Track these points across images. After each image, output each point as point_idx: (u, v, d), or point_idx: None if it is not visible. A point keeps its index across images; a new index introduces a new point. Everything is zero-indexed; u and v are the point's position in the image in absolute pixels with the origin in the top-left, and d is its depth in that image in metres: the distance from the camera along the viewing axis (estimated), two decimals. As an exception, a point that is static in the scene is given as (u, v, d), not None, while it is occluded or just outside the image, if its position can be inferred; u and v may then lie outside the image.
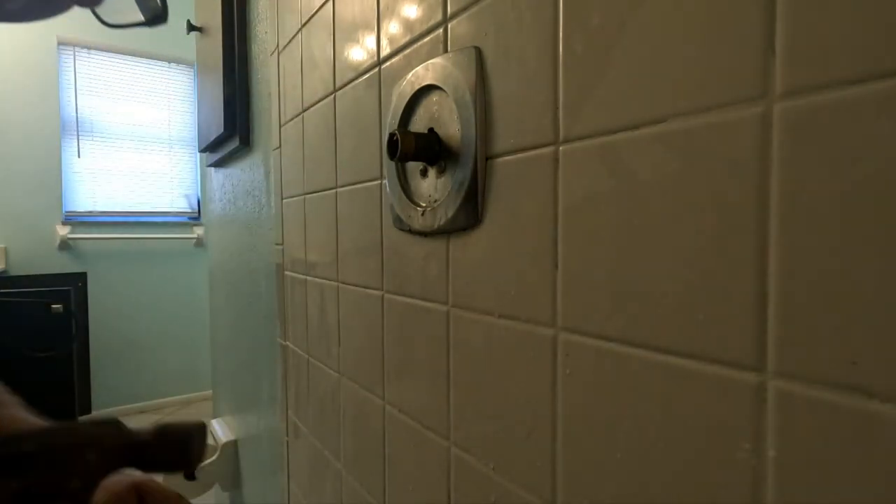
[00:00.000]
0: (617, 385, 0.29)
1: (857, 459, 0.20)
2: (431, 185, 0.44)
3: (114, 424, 0.32)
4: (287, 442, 0.87)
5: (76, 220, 3.02)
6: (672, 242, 0.26)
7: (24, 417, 0.40)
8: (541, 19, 0.33)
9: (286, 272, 0.83)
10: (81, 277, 2.93)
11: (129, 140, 3.18)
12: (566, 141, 0.32)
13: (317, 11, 0.66)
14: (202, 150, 1.37)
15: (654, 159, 0.27)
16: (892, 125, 0.19)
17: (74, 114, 3.01)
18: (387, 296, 0.53)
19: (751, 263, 0.23)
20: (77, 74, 3.01)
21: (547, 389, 0.34)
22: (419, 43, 0.46)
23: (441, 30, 0.43)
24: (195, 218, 3.40)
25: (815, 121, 0.21)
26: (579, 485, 0.32)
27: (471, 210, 0.39)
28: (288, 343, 0.84)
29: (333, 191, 0.64)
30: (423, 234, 0.45)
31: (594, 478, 0.31)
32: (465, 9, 0.40)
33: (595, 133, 0.30)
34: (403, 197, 0.47)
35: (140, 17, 0.38)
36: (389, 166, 0.49)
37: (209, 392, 2.33)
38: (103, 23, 0.38)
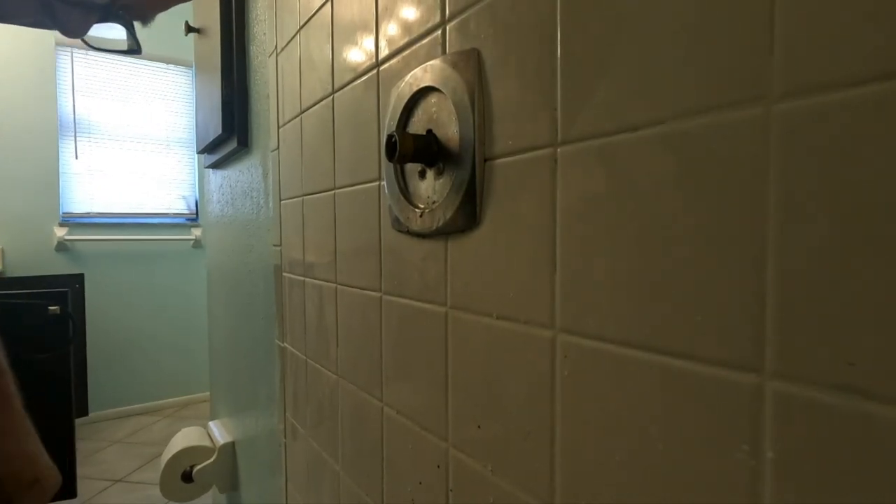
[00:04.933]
0: (615, 386, 0.29)
1: (855, 461, 0.20)
2: (430, 187, 0.44)
3: None
4: (285, 443, 0.86)
5: (73, 222, 3.01)
6: (670, 244, 0.26)
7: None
8: (539, 21, 0.33)
9: (284, 273, 0.83)
10: (79, 279, 2.92)
11: (127, 141, 3.17)
12: (564, 142, 0.32)
13: (315, 13, 0.66)
14: (200, 152, 1.36)
15: (652, 161, 0.27)
16: (891, 127, 0.19)
17: (72, 115, 3.01)
18: (385, 297, 0.53)
19: (749, 265, 0.23)
20: (75, 75, 3.00)
21: (545, 390, 0.34)
22: (418, 45, 0.46)
23: (439, 31, 0.43)
24: (193, 219, 3.39)
25: (813, 123, 0.21)
26: (578, 486, 0.32)
27: (469, 211, 0.39)
28: (286, 344, 0.84)
29: (332, 192, 0.64)
30: (422, 235, 0.45)
31: (592, 479, 0.31)
32: (463, 10, 0.40)
33: (593, 135, 0.30)
34: (402, 198, 0.47)
35: (123, 47, 0.47)
36: (388, 168, 0.49)
37: (207, 394, 2.33)
38: (90, 46, 0.45)
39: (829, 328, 0.20)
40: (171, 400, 3.29)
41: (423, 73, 0.44)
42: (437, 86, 0.42)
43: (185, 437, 1.34)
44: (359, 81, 0.56)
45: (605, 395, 0.30)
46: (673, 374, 0.26)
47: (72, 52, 2.98)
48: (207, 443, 1.33)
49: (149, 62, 3.19)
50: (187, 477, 1.26)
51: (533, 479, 0.35)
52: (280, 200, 0.83)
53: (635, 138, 0.28)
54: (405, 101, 0.46)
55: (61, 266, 2.94)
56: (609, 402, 0.29)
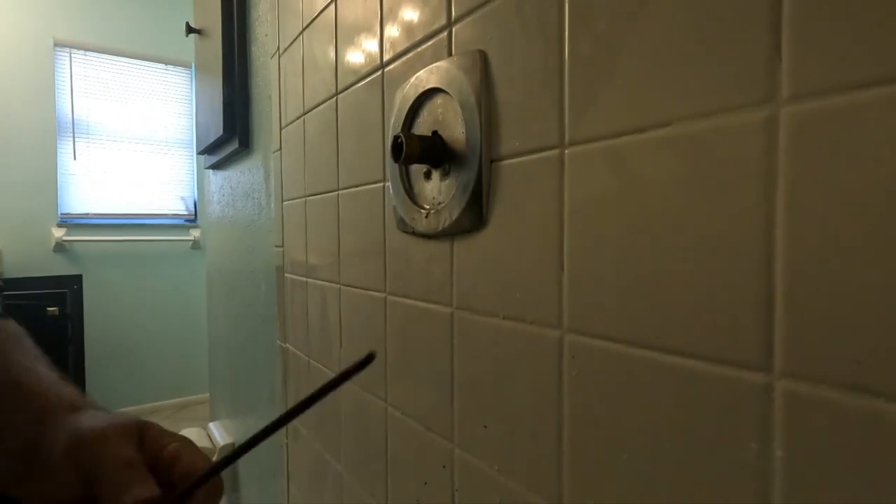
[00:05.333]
0: (623, 386, 0.29)
1: (863, 458, 0.20)
2: (435, 188, 0.44)
3: None
4: (286, 444, 0.86)
5: (72, 223, 3.00)
6: (678, 244, 0.26)
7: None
8: (546, 23, 0.33)
9: (286, 274, 0.83)
10: (77, 280, 2.91)
11: (125, 142, 3.17)
12: (572, 144, 0.32)
13: (319, 14, 0.66)
14: (201, 153, 1.36)
15: (659, 162, 0.27)
16: (898, 129, 0.19)
17: (70, 115, 3.00)
18: (390, 298, 0.53)
19: (757, 265, 0.23)
20: (73, 76, 3.00)
21: (553, 390, 0.34)
22: (423, 46, 0.46)
23: (445, 33, 0.43)
24: (192, 220, 3.38)
25: (821, 125, 0.21)
26: (585, 485, 0.32)
27: (476, 212, 0.39)
28: (288, 345, 0.84)
29: (335, 193, 0.64)
30: (427, 236, 0.46)
31: (600, 478, 0.31)
32: (469, 13, 0.40)
33: (601, 136, 0.30)
34: (407, 199, 0.47)
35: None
36: (392, 169, 0.49)
37: (205, 395, 2.32)
38: None
39: (837, 327, 0.21)
40: (169, 401, 3.28)
41: (429, 75, 0.44)
42: (442, 87, 0.42)
43: (185, 439, 1.34)
44: (363, 83, 0.57)
45: (614, 394, 0.30)
46: (681, 373, 0.26)
47: (70, 53, 2.97)
48: (207, 444, 1.32)
49: (147, 63, 3.19)
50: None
51: (540, 478, 0.35)
52: (282, 201, 0.83)
53: (643, 140, 0.28)
54: (410, 102, 0.46)
55: (59, 267, 2.93)
56: (617, 401, 0.30)
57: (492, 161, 0.38)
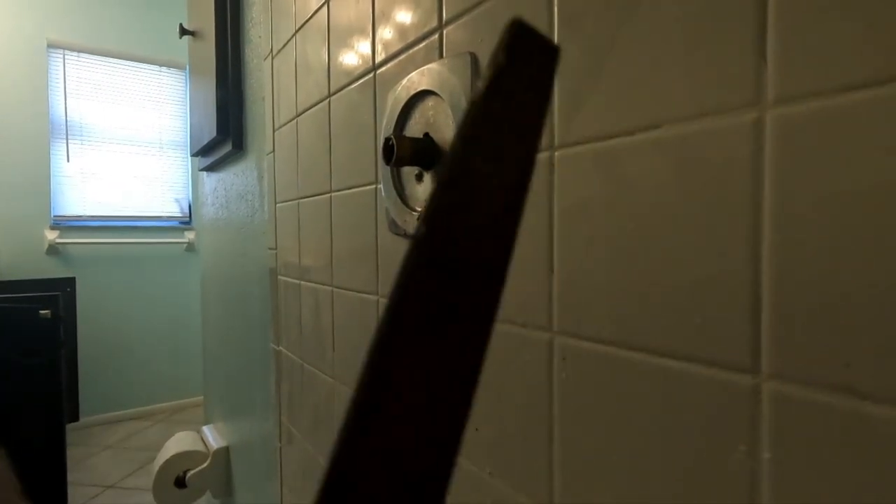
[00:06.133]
0: (613, 388, 0.29)
1: (851, 460, 0.20)
2: (427, 190, 0.44)
3: None
4: (280, 448, 0.86)
5: (65, 225, 2.98)
6: (667, 247, 0.26)
7: None
8: (536, 25, 0.33)
9: (280, 276, 0.83)
10: (70, 282, 2.89)
11: (119, 144, 3.15)
12: (561, 146, 0.32)
13: (311, 16, 0.66)
14: (194, 154, 1.36)
15: (648, 164, 0.27)
16: (882, 131, 0.19)
17: (64, 117, 2.98)
18: (382, 300, 0.52)
19: (745, 267, 0.23)
20: (67, 77, 2.98)
21: (544, 393, 0.34)
22: (414, 49, 0.46)
23: (436, 36, 0.43)
24: (186, 222, 3.37)
25: (807, 127, 0.21)
26: (577, 488, 0.32)
27: (467, 214, 0.39)
28: (281, 348, 0.84)
29: (328, 195, 0.64)
30: (419, 238, 0.45)
31: (591, 481, 0.31)
32: (460, 15, 0.40)
33: (590, 138, 0.30)
34: (399, 202, 0.47)
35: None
36: (384, 171, 0.49)
37: (199, 398, 2.31)
38: None
39: (825, 329, 0.21)
40: (163, 405, 3.26)
41: (420, 77, 0.44)
42: (434, 89, 0.42)
43: (179, 442, 1.33)
44: (355, 85, 0.56)
45: (604, 396, 0.30)
46: (670, 375, 0.26)
47: (64, 54, 2.96)
48: (201, 447, 1.32)
49: (141, 64, 3.17)
50: (181, 482, 1.25)
51: (531, 481, 0.35)
52: (275, 203, 0.83)
53: (631, 142, 0.28)
54: (402, 104, 0.46)
55: (52, 269, 2.92)
56: (607, 404, 0.30)
57: (483, 163, 0.38)
